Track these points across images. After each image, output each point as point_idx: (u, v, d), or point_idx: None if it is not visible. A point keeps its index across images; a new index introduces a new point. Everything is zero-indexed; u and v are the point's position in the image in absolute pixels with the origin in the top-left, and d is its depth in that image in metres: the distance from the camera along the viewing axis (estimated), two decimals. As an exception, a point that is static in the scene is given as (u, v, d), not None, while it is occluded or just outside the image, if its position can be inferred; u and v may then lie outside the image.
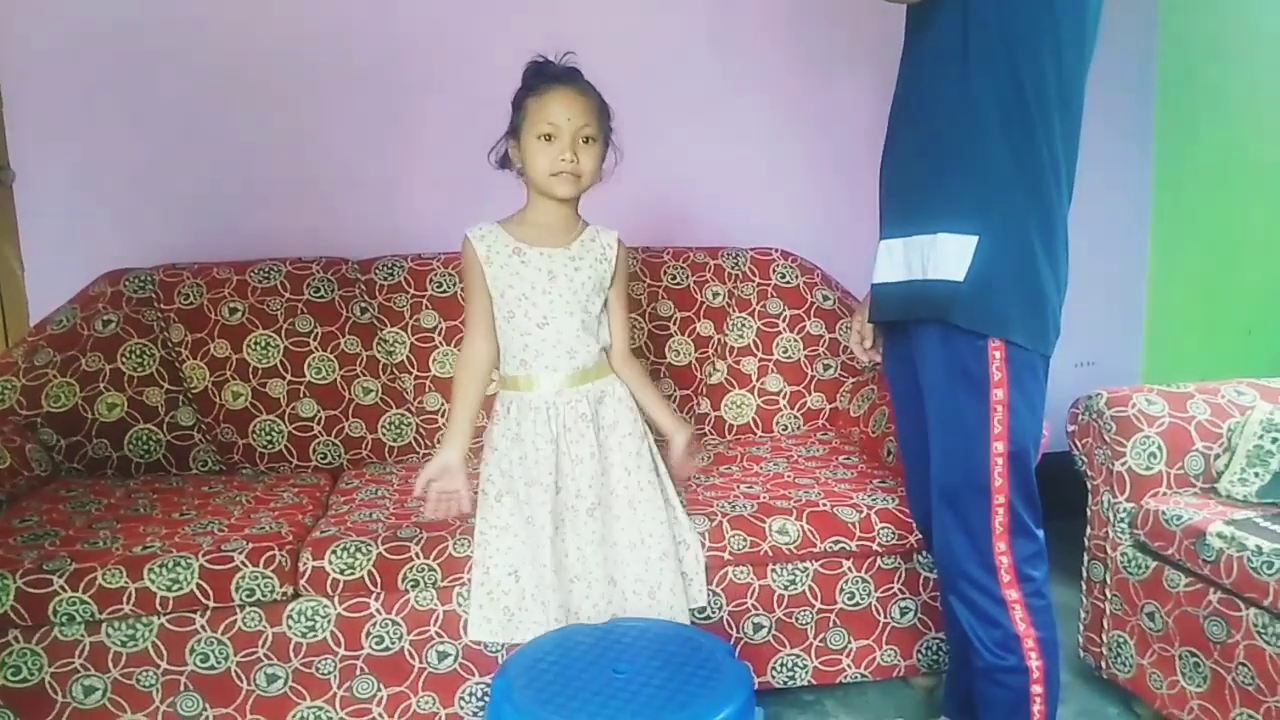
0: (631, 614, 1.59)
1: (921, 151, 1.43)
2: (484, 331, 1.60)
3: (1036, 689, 1.40)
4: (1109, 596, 1.84)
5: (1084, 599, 1.92)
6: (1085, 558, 1.91)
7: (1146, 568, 1.74)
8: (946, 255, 1.36)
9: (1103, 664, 1.87)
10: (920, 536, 1.75)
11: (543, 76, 1.53)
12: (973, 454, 1.38)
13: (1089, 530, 1.90)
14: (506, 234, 1.59)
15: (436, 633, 1.70)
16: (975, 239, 1.34)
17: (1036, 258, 1.35)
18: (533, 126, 1.51)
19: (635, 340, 2.28)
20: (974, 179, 1.35)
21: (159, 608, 1.58)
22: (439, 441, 2.20)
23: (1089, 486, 1.89)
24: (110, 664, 1.60)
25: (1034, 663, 1.40)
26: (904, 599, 1.87)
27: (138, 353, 2.14)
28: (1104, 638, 1.86)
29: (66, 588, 1.55)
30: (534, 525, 1.55)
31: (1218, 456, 1.79)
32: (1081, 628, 1.93)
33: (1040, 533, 1.42)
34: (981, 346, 1.35)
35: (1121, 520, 1.80)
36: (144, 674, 1.62)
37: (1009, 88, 1.32)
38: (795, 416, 2.39)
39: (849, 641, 1.86)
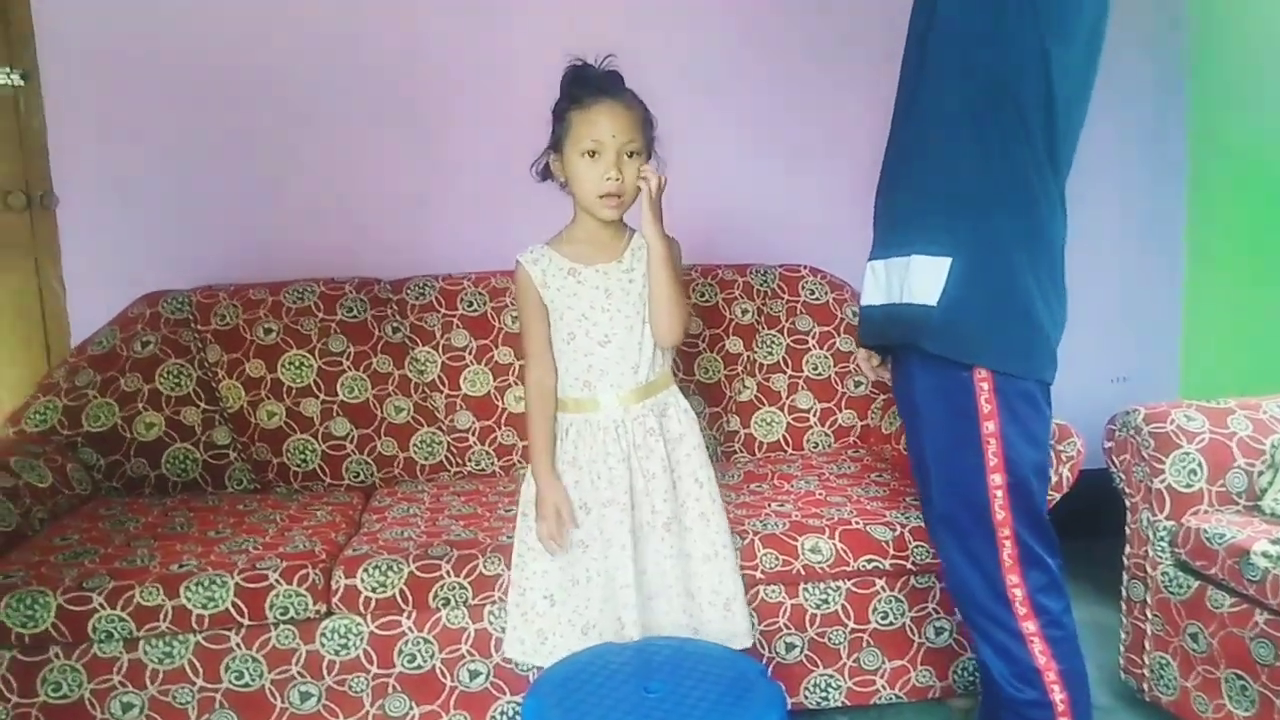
0: (709, 626, 1.59)
1: (902, 170, 1.42)
2: (546, 352, 1.59)
3: None
4: (1150, 617, 1.80)
5: (1124, 619, 1.88)
6: (1125, 577, 1.87)
7: (1188, 587, 1.70)
8: (920, 278, 1.33)
9: (1145, 686, 1.83)
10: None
11: (585, 87, 1.50)
12: (969, 486, 1.35)
13: (1128, 549, 1.86)
14: (559, 255, 1.58)
15: (468, 651, 1.71)
16: (948, 261, 1.30)
17: (1023, 283, 1.30)
18: (576, 142, 1.50)
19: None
20: (949, 199, 1.32)
21: (195, 625, 1.60)
22: (470, 461, 2.25)
23: (1127, 504, 1.86)
24: (148, 681, 1.62)
25: (1057, 696, 1.35)
26: (939, 619, 1.84)
27: (175, 373, 2.17)
28: (1145, 659, 1.82)
29: (105, 605, 1.57)
30: (612, 545, 1.55)
31: (1260, 474, 1.75)
32: (1122, 649, 1.89)
33: (1054, 561, 1.38)
34: (966, 378, 1.32)
35: (1161, 539, 1.77)
36: (180, 691, 1.64)
37: (989, 108, 1.28)
38: (826, 434, 2.38)
39: (883, 662, 1.84)
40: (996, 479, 1.32)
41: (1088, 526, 2.05)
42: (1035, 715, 1.37)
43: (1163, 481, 1.76)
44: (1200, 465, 1.74)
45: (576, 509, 1.56)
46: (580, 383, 1.57)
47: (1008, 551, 1.34)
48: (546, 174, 1.59)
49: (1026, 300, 1.31)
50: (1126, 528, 1.87)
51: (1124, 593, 1.88)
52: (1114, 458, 1.87)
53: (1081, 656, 1.39)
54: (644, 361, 1.58)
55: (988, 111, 1.28)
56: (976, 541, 1.36)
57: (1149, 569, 1.80)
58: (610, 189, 1.50)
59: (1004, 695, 1.39)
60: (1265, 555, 1.53)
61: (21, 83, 2.32)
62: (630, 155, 1.51)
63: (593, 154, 1.49)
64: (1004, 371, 1.30)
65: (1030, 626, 1.35)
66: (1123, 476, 1.86)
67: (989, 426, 1.31)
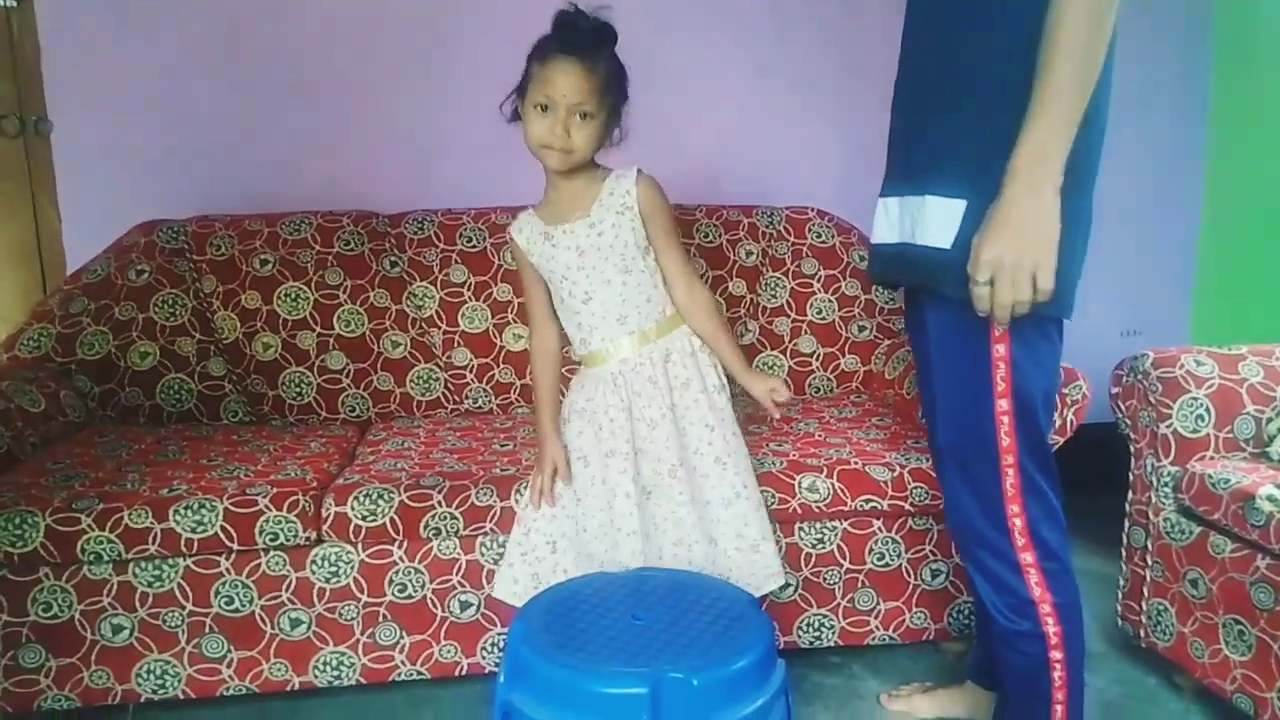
0: (736, 572, 1.55)
1: (918, 107, 1.35)
2: (544, 318, 1.63)
3: (1055, 655, 1.34)
4: (1150, 563, 1.78)
5: (1124, 566, 1.86)
6: (1126, 523, 1.85)
7: (1190, 533, 1.68)
8: (933, 220, 1.29)
9: (1142, 633, 1.81)
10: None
11: (557, 39, 1.45)
12: (976, 413, 1.31)
13: (1130, 495, 1.84)
14: (538, 219, 1.58)
15: (459, 582, 1.70)
16: (963, 204, 1.25)
17: None
18: (532, 94, 1.47)
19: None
20: (965, 139, 1.25)
21: (184, 549, 1.59)
22: (468, 398, 2.23)
23: (1131, 450, 1.83)
24: (138, 604, 1.62)
25: (1051, 628, 1.34)
26: (935, 561, 1.82)
27: (170, 303, 2.15)
28: (1144, 606, 1.80)
29: (94, 526, 1.56)
30: (616, 494, 1.53)
31: (1270, 420, 1.71)
32: (1121, 596, 1.87)
33: (1055, 494, 1.35)
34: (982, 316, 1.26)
35: (1165, 484, 1.73)
36: (170, 614, 1.63)
37: (1012, 38, 1.20)
38: (829, 378, 2.34)
39: (878, 603, 1.82)
40: (1003, 404, 1.29)
41: (1091, 480, 2.01)
42: (1028, 647, 1.35)
43: (1169, 427, 1.72)
44: (1208, 411, 1.70)
45: (575, 459, 1.56)
46: (579, 340, 1.59)
47: (1010, 480, 1.31)
48: (516, 115, 1.54)
49: None
50: (1130, 474, 1.84)
51: (1124, 539, 1.85)
52: (1120, 403, 1.83)
53: (1077, 591, 1.36)
54: (631, 311, 1.55)
55: (1022, 48, 1.19)
56: (979, 470, 1.33)
57: (1151, 515, 1.77)
58: (552, 144, 1.47)
59: (999, 629, 1.37)
60: (1270, 499, 1.50)
61: (14, 4, 2.27)
62: (583, 116, 1.46)
63: (544, 108, 1.46)
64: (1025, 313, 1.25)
65: (1028, 558, 1.33)
66: (1129, 422, 1.82)
67: (999, 350, 1.27)
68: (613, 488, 1.54)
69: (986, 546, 1.36)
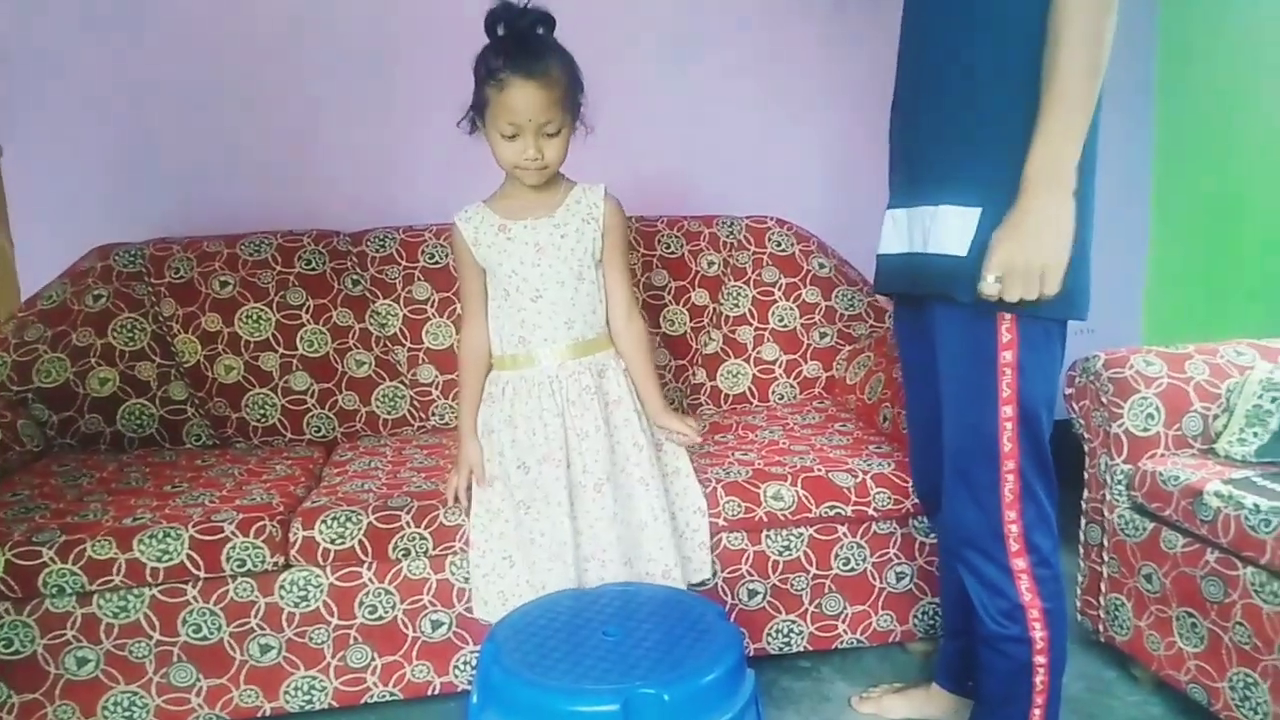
0: None
1: (925, 114, 1.37)
2: (479, 312, 1.61)
3: (1039, 659, 1.37)
4: (1106, 559, 1.83)
5: (1081, 563, 1.91)
6: (1083, 521, 1.90)
7: (1144, 529, 1.72)
8: (948, 229, 1.31)
9: (1100, 627, 1.86)
10: (918, 502, 1.73)
11: (506, 60, 1.43)
12: (981, 420, 1.34)
13: (1086, 493, 1.88)
14: (492, 212, 1.57)
15: (429, 601, 1.70)
16: (978, 211, 1.27)
17: None
18: (494, 120, 1.46)
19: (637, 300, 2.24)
20: (979, 146, 1.28)
21: (149, 579, 1.58)
22: (434, 415, 2.23)
23: (1086, 449, 1.88)
24: (103, 635, 1.60)
25: (1038, 633, 1.36)
26: (900, 564, 1.86)
27: (129, 327, 2.13)
28: (1101, 601, 1.84)
29: (56, 559, 1.54)
30: (549, 502, 1.54)
31: (1216, 417, 1.77)
32: (1079, 591, 1.91)
33: (1050, 501, 1.37)
34: (991, 319, 1.29)
35: (1119, 482, 1.78)
36: (137, 645, 1.62)
37: (1023, 40, 1.23)
38: (791, 385, 2.37)
39: (845, 607, 1.85)
40: (1008, 411, 1.31)
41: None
42: (1013, 651, 1.37)
43: (1121, 426, 1.77)
44: (1158, 409, 1.75)
45: (515, 468, 1.56)
46: (515, 339, 1.57)
47: (1009, 486, 1.34)
48: (474, 126, 1.54)
49: None
50: (1085, 473, 1.89)
51: (1081, 537, 1.90)
52: (1074, 403, 1.88)
53: (1064, 598, 1.39)
54: (578, 317, 1.57)
55: (1028, 58, 1.23)
56: (979, 475, 1.35)
57: (1106, 513, 1.82)
58: (528, 165, 1.48)
59: (985, 631, 1.39)
60: (1217, 495, 1.55)
61: (-40, 28, 2.23)
62: (550, 134, 1.47)
63: (511, 136, 1.47)
64: (1032, 315, 1.28)
65: (1020, 564, 1.35)
66: (1082, 422, 1.87)
67: (1006, 356, 1.29)
68: (546, 495, 1.54)
69: (981, 550, 1.38)
